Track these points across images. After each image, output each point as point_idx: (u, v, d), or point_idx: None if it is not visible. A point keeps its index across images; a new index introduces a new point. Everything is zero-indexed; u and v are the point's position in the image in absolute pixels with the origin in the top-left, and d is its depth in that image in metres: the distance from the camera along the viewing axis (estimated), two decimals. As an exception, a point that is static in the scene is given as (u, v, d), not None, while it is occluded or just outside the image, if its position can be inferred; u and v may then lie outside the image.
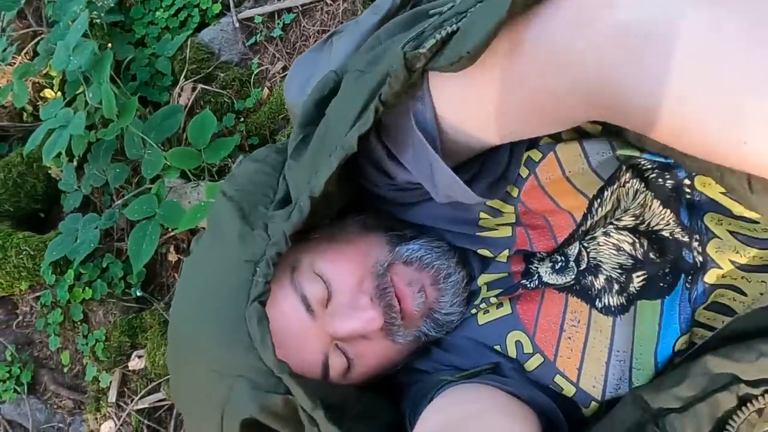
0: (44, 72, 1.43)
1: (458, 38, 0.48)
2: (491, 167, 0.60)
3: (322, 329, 0.62)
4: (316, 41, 1.19)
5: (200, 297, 0.62)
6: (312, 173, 0.58)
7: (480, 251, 0.68)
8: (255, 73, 1.25)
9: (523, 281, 0.66)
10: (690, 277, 0.61)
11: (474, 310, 0.69)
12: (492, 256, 0.67)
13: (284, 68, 1.23)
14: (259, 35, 1.27)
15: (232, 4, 1.31)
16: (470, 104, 0.53)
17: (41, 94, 1.48)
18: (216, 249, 0.64)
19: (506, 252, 0.66)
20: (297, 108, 0.78)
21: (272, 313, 0.57)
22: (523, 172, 0.62)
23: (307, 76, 0.99)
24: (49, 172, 1.40)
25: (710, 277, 0.59)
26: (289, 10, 1.25)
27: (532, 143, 0.60)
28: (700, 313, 0.60)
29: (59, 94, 1.42)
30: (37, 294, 1.33)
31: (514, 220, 0.65)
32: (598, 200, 0.62)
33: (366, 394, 0.65)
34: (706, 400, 0.49)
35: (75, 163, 1.34)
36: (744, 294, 0.58)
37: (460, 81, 0.51)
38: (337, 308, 0.63)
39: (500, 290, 0.67)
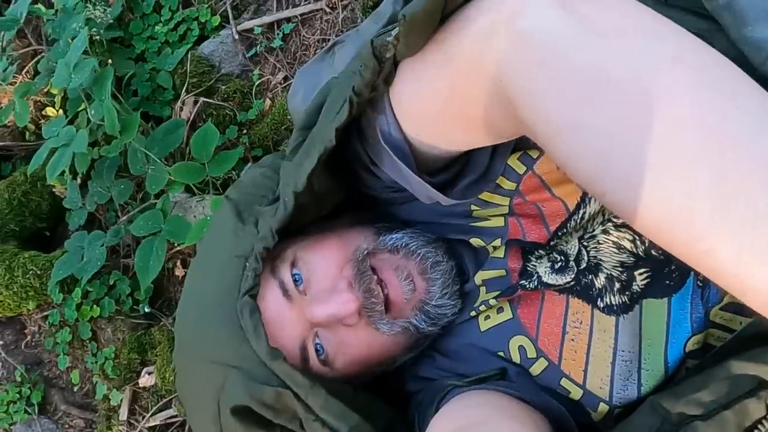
0: (45, 90, 1.43)
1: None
2: (472, 167, 0.61)
3: (301, 315, 0.63)
4: (316, 50, 1.18)
5: (198, 293, 0.65)
6: (297, 169, 0.59)
7: (472, 240, 0.68)
8: (256, 84, 1.25)
9: (522, 281, 0.65)
10: (701, 275, 0.59)
11: (473, 313, 0.68)
12: (484, 244, 0.67)
13: (285, 78, 1.22)
14: (259, 46, 1.27)
15: (231, 16, 1.30)
16: (419, 117, 0.54)
17: (43, 113, 1.48)
18: (212, 247, 0.67)
19: (498, 241, 0.66)
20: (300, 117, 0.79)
21: (260, 304, 0.60)
22: (520, 168, 0.63)
23: (310, 87, 0.99)
24: (54, 190, 1.40)
25: None
26: (288, 20, 1.24)
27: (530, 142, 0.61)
28: (716, 313, 0.59)
29: (61, 112, 1.41)
30: (45, 313, 1.32)
31: (507, 211, 0.66)
32: None
33: (362, 393, 0.64)
34: (733, 407, 0.47)
35: (79, 180, 1.34)
36: None
37: (410, 96, 0.53)
38: (316, 294, 0.64)
39: (499, 291, 0.66)
